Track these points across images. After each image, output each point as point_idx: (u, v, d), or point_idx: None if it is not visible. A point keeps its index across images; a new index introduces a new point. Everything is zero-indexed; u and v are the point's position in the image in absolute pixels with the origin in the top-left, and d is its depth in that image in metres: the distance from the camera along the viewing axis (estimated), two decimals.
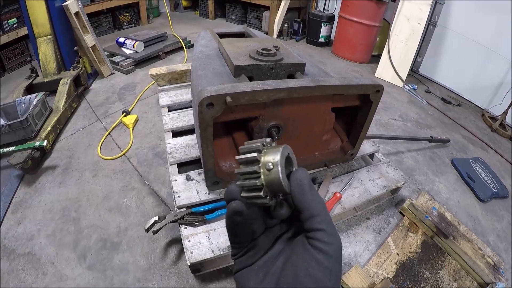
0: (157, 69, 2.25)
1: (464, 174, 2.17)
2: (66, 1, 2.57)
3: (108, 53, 3.10)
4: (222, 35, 2.09)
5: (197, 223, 1.36)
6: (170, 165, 1.65)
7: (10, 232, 1.52)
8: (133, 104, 2.49)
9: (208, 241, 1.30)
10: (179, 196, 1.46)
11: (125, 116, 2.29)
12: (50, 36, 2.59)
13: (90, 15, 3.55)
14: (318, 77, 1.53)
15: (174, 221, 1.36)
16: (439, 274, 1.52)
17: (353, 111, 1.56)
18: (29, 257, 1.41)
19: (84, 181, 1.84)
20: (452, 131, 2.64)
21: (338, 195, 1.50)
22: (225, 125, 1.48)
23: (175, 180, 1.54)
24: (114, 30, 3.86)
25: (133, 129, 2.22)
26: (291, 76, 1.48)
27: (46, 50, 2.59)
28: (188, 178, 1.54)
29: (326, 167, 1.61)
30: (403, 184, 1.74)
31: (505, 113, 2.70)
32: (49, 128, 2.07)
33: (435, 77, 3.35)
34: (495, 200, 2.05)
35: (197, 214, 1.39)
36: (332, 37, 4.05)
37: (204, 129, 1.19)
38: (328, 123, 1.52)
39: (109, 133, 2.20)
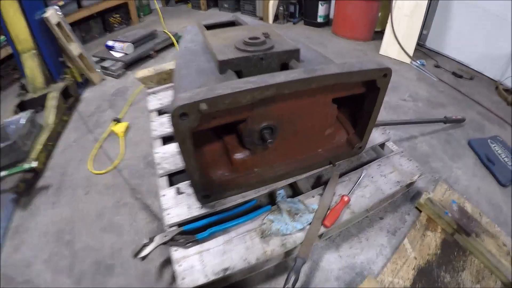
0: (144, 71, 2.04)
1: (482, 156, 1.91)
2: (45, 13, 2.36)
3: (98, 58, 2.90)
4: (209, 27, 1.85)
5: (189, 244, 1.17)
6: (159, 177, 1.45)
7: (9, 260, 1.44)
8: (124, 111, 2.30)
9: (201, 264, 1.11)
10: (169, 214, 1.26)
11: (115, 124, 2.10)
12: (34, 51, 2.39)
13: (79, 21, 3.35)
14: (315, 63, 1.29)
15: (164, 243, 1.17)
16: (461, 276, 1.31)
17: (359, 98, 1.32)
18: (27, 285, 1.34)
19: (77, 199, 1.71)
20: (466, 108, 2.35)
21: (345, 198, 1.27)
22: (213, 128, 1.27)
23: (164, 195, 1.34)
24: (106, 33, 3.65)
25: (124, 138, 2.03)
26: (285, 65, 1.26)
27: (31, 65, 2.41)
28: (179, 192, 1.34)
29: (332, 165, 1.39)
30: (419, 177, 1.49)
31: None
32: (40, 147, 1.92)
33: (443, 50, 3.03)
34: None
35: (188, 234, 1.19)
36: (331, 16, 3.73)
37: (182, 142, 0.98)
38: (330, 116, 1.29)
39: (100, 145, 2.02)
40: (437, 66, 2.83)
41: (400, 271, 1.31)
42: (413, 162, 1.55)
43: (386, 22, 2.87)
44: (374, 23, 3.24)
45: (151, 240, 1.18)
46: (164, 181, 1.43)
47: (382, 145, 1.69)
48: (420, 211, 1.55)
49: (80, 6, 3.33)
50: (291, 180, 1.36)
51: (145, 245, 1.17)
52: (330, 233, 1.38)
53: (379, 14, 3.18)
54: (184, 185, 1.36)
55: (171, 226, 1.24)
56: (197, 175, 1.10)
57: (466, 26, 2.78)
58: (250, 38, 1.24)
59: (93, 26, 3.53)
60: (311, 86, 1.04)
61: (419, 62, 2.81)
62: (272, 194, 1.36)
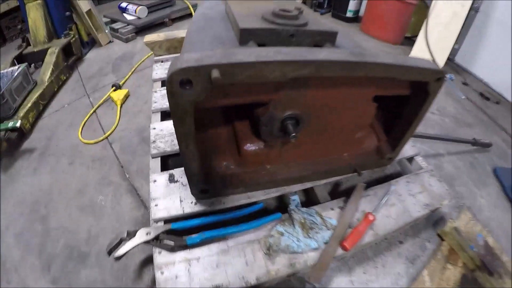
0: (153, 35, 1.73)
1: (507, 187, 1.66)
2: None
3: (108, 19, 2.58)
4: None
5: (176, 248, 0.89)
6: (152, 158, 1.17)
7: None
8: (127, 77, 2.00)
9: (187, 275, 0.84)
10: (157, 205, 0.99)
11: (114, 90, 1.81)
12: (39, 1, 2.08)
13: None
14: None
15: (146, 242, 0.90)
16: None
17: (398, 101, 1.05)
18: None
19: (59, 169, 1.46)
20: (492, 132, 2.08)
21: (371, 217, 1.00)
22: (224, 107, 0.98)
23: (155, 181, 1.06)
24: None
25: (121, 107, 1.74)
26: None
27: (35, 16, 2.12)
28: (172, 179, 1.06)
29: (357, 173, 1.11)
30: (449, 202, 1.23)
31: None
32: (29, 105, 1.67)
33: (472, 68, 2.72)
34: None
35: (176, 234, 0.92)
36: (362, 12, 3.38)
37: (180, 121, 0.70)
38: (368, 116, 1.01)
39: (94, 111, 1.72)
40: (465, 84, 2.54)
41: None
42: (443, 184, 1.28)
43: (418, 28, 2.56)
44: (406, 27, 2.91)
45: (131, 235, 0.91)
46: (157, 163, 1.15)
47: (409, 159, 1.42)
48: (442, 240, 1.29)
49: None
50: (308, 185, 1.09)
51: (122, 241, 0.90)
52: (346, 254, 1.11)
53: (412, 19, 2.86)
54: (179, 172, 1.09)
55: (157, 220, 0.97)
56: (196, 166, 0.82)
57: (499, 48, 2.48)
58: (281, 10, 0.96)
59: None
60: (357, 73, 0.76)
61: (448, 76, 2.51)
62: (282, 198, 1.07)
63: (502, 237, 1.43)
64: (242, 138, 0.94)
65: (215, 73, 0.61)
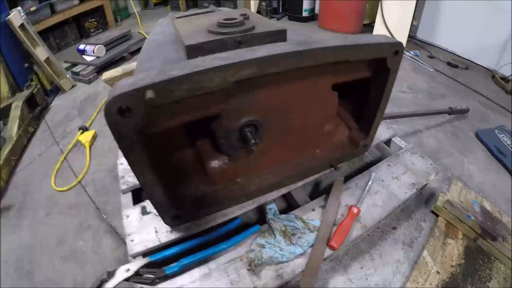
0: (111, 71, 1.71)
1: (493, 148, 1.66)
2: (9, 15, 2.03)
3: (69, 64, 2.55)
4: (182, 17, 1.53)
5: (157, 280, 0.84)
6: (123, 193, 1.12)
7: None
8: (92, 118, 1.95)
9: None
10: (132, 240, 0.94)
11: (82, 133, 1.76)
12: None
13: (53, 27, 2.99)
14: None
15: (126, 280, 0.85)
16: (489, 286, 1.06)
17: (361, 86, 1.03)
18: None
19: (37, 222, 1.40)
20: (467, 98, 2.09)
21: (355, 210, 0.96)
22: (184, 128, 0.94)
23: (128, 216, 1.01)
24: (82, 39, 3.27)
25: (90, 148, 1.69)
26: None
27: None
28: (144, 212, 1.01)
29: (333, 169, 1.08)
30: (435, 176, 1.20)
31: None
32: (1, 163, 1.61)
33: (435, 40, 2.76)
34: None
35: (156, 266, 0.87)
36: (317, 10, 3.44)
37: (128, 151, 0.66)
38: (330, 107, 0.98)
39: (64, 158, 1.67)
40: (431, 57, 2.56)
41: None
42: (426, 160, 1.26)
43: (375, 14, 2.60)
44: (363, 15, 2.95)
45: (110, 275, 0.86)
46: (128, 198, 1.11)
47: (387, 142, 1.40)
48: (437, 216, 1.26)
49: (53, 11, 2.96)
50: (284, 191, 1.04)
51: (103, 283, 0.85)
52: (336, 253, 1.06)
53: (367, 5, 2.91)
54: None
55: (135, 256, 0.91)
56: (159, 193, 0.77)
57: (457, 16, 2.53)
58: (225, 20, 0.94)
59: (68, 32, 3.16)
60: (305, 63, 0.74)
61: (413, 53, 2.54)
62: (262, 209, 1.03)
63: (499, 199, 1.41)
64: (205, 156, 0.90)
65: (149, 94, 0.58)
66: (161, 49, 1.10)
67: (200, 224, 0.93)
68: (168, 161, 0.87)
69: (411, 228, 1.23)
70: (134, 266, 0.86)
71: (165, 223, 0.88)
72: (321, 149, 1.09)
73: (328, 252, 0.89)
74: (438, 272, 1.08)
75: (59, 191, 1.50)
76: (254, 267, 0.81)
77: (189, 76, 0.62)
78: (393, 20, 2.46)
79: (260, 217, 1.15)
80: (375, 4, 2.60)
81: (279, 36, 0.94)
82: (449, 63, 2.46)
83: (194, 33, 0.94)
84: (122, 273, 0.85)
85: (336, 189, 1.03)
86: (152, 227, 0.95)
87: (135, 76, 0.62)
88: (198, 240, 0.88)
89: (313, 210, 1.01)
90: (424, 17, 2.75)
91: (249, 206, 0.98)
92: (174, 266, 0.83)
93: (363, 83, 1.01)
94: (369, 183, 1.09)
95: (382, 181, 1.14)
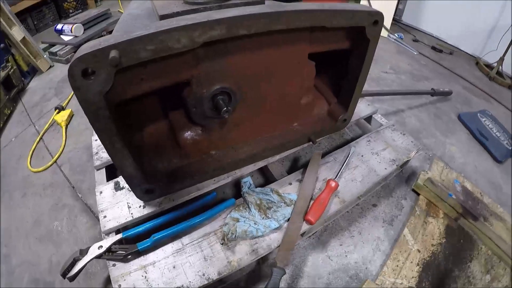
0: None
1: (475, 131, 1.67)
2: None
3: (47, 44, 2.43)
4: None
5: (129, 256, 0.81)
6: (97, 170, 1.07)
7: None
8: (69, 97, 1.87)
9: (145, 283, 0.77)
10: (105, 217, 0.90)
11: (58, 112, 1.69)
12: None
13: (31, 8, 2.83)
14: None
15: (98, 257, 0.81)
16: (470, 267, 1.08)
17: (340, 58, 1.00)
18: None
19: (14, 204, 1.35)
20: (451, 82, 2.09)
21: (332, 184, 0.94)
22: (158, 99, 0.89)
23: (101, 193, 0.97)
24: (61, 19, 3.13)
25: (66, 128, 1.62)
26: None
27: None
28: (117, 187, 0.97)
29: (311, 143, 1.05)
30: (416, 154, 1.19)
31: (502, 59, 2.17)
32: None
33: (420, 25, 2.74)
34: (509, 159, 1.57)
35: (130, 242, 0.83)
36: None
37: (94, 117, 0.63)
38: (307, 77, 0.95)
39: (40, 138, 1.60)
40: (415, 40, 2.55)
41: (402, 269, 1.03)
42: (407, 137, 1.24)
43: None
44: None
45: (83, 253, 0.82)
46: (102, 174, 1.06)
47: (368, 119, 1.38)
48: (418, 194, 1.26)
49: None
50: (260, 164, 1.01)
51: (76, 261, 0.81)
52: (315, 229, 1.05)
53: None
54: None
55: (107, 232, 0.88)
56: (130, 165, 0.73)
57: (443, 1, 2.51)
58: None
59: (47, 13, 2.99)
60: (277, 25, 0.70)
61: (397, 35, 2.51)
62: (238, 184, 1.00)
63: (481, 181, 1.42)
64: (178, 127, 0.86)
65: (113, 53, 0.54)
66: (136, 21, 1.03)
67: (173, 198, 0.89)
68: (139, 133, 0.83)
69: (391, 206, 1.23)
70: (106, 243, 0.82)
71: (137, 197, 0.84)
72: (299, 122, 1.06)
73: (305, 226, 0.87)
74: (418, 251, 1.08)
75: (35, 172, 1.44)
76: (228, 241, 0.79)
77: (154, 36, 0.58)
78: (378, 2, 2.42)
79: (237, 192, 1.12)
80: None
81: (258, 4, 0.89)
82: (433, 48, 2.45)
83: (169, 4, 0.89)
84: (94, 250, 0.82)
85: (313, 163, 1.01)
86: (125, 202, 0.92)
87: (99, 39, 0.58)
88: (171, 214, 0.85)
89: (290, 184, 0.99)
90: (409, 1, 2.72)
91: (224, 179, 0.95)
92: (146, 242, 0.80)
93: (342, 56, 0.98)
94: (348, 157, 1.07)
95: (362, 156, 1.12)
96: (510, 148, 1.60)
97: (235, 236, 0.79)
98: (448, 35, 2.60)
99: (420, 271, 1.02)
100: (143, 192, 0.83)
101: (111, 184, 0.98)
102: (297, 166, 1.28)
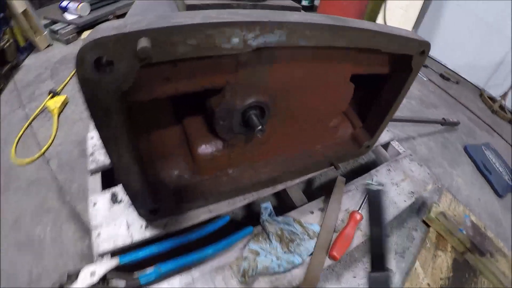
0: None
1: (480, 164, 1.62)
2: None
3: (49, 21, 2.21)
4: None
5: None
6: (91, 174, 0.91)
7: None
8: (65, 82, 1.68)
9: None
10: (99, 234, 0.74)
11: (51, 97, 1.50)
12: None
13: None
14: None
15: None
16: None
17: (373, 83, 0.89)
18: None
19: None
20: (457, 111, 2.05)
21: (357, 216, 0.83)
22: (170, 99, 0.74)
23: (95, 204, 0.81)
24: None
25: (59, 116, 1.44)
26: None
27: None
28: (115, 200, 0.81)
29: (334, 167, 0.94)
30: (433, 187, 1.10)
31: (506, 95, 2.16)
32: None
33: (431, 52, 2.69)
34: (509, 194, 1.54)
35: (128, 269, 0.68)
36: (317, 2, 3.25)
37: (103, 122, 0.48)
38: (344, 99, 0.83)
39: (29, 124, 1.41)
40: (425, 66, 2.50)
41: None
42: (424, 168, 1.15)
43: (374, 16, 2.48)
44: (364, 14, 2.82)
45: (72, 278, 0.66)
46: (96, 180, 0.89)
47: (385, 146, 1.28)
48: (428, 226, 1.17)
49: None
50: (279, 187, 0.88)
51: (61, 287, 0.65)
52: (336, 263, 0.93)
53: (368, 5, 2.77)
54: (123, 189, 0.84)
55: (102, 254, 0.72)
56: (137, 181, 0.59)
57: (455, 31, 2.48)
58: None
59: None
60: (338, 41, 0.57)
61: None
62: (251, 207, 0.87)
63: (483, 214, 1.37)
64: (195, 139, 0.71)
65: (144, 42, 0.40)
66: (154, 7, 0.89)
67: (181, 220, 0.74)
68: (148, 141, 0.68)
69: (403, 237, 1.13)
70: (101, 269, 0.66)
71: (140, 215, 0.70)
72: (322, 144, 0.94)
73: (328, 262, 0.75)
74: (428, 285, 1.00)
75: (19, 164, 1.25)
76: (248, 279, 0.65)
77: (200, 28, 0.43)
78: (394, 24, 2.35)
79: (248, 215, 0.99)
80: (377, 4, 2.47)
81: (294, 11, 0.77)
82: (441, 75, 2.40)
83: None
84: (86, 276, 0.66)
85: (337, 191, 0.89)
86: (124, 219, 0.76)
87: (125, 20, 0.43)
88: (178, 240, 0.70)
89: (312, 212, 0.86)
90: (422, 26, 2.66)
91: (240, 202, 0.81)
92: (150, 274, 0.65)
93: (376, 80, 0.87)
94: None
95: (383, 186, 1.02)
96: (511, 183, 1.57)
97: (255, 273, 0.66)
98: (456, 64, 2.58)
99: None
100: (147, 212, 0.69)
101: (108, 194, 0.82)
102: (311, 189, 1.16)
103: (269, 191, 0.86)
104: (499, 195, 1.50)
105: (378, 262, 0.78)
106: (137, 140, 0.57)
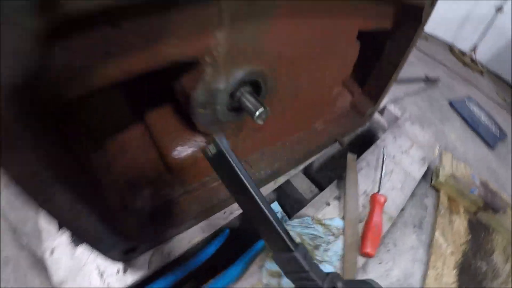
0: None
1: (468, 118, 1.60)
2: None
3: None
4: None
5: None
6: (41, 210, 0.68)
7: None
8: None
9: None
10: None
11: None
12: None
13: None
14: None
15: None
16: (493, 259, 0.98)
17: (366, 42, 0.74)
18: None
19: None
20: (434, 67, 2.00)
21: (381, 199, 0.69)
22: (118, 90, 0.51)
23: (52, 252, 0.58)
24: None
25: None
26: None
27: None
28: (76, 241, 0.60)
29: (339, 144, 0.79)
30: (439, 149, 1.00)
31: (475, 47, 2.19)
32: None
33: None
34: (498, 144, 1.56)
35: None
36: None
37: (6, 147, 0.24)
38: (350, 62, 0.66)
39: None
40: None
41: (443, 276, 0.85)
42: (426, 130, 1.05)
43: None
44: None
45: None
46: (48, 218, 0.67)
47: (381, 111, 1.15)
48: (437, 191, 1.08)
49: None
50: (282, 180, 0.71)
51: None
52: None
53: None
54: None
55: None
56: (92, 222, 0.38)
57: None
58: None
59: None
60: None
61: None
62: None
63: (481, 168, 1.32)
64: (165, 140, 0.51)
65: None
66: None
67: (168, 250, 0.54)
68: (99, 158, 0.46)
69: (416, 207, 1.02)
70: None
71: (113, 260, 0.50)
72: (323, 120, 0.78)
73: (361, 260, 0.60)
74: (452, 253, 0.92)
75: None
76: None
77: None
78: None
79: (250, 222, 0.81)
80: None
81: None
82: None
83: None
84: None
85: (351, 172, 0.74)
86: (94, 265, 0.55)
87: None
88: (170, 277, 0.51)
89: (328, 204, 0.69)
90: None
91: (238, 209, 0.61)
92: None
93: (372, 38, 0.72)
94: (384, 160, 0.82)
95: (393, 157, 0.88)
96: (498, 134, 1.59)
97: None
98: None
99: (458, 274, 0.87)
100: (122, 253, 0.49)
101: (66, 235, 0.61)
102: (311, 171, 0.99)
103: (271, 187, 0.69)
104: (490, 146, 1.48)
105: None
106: (79, 163, 0.36)
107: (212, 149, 0.37)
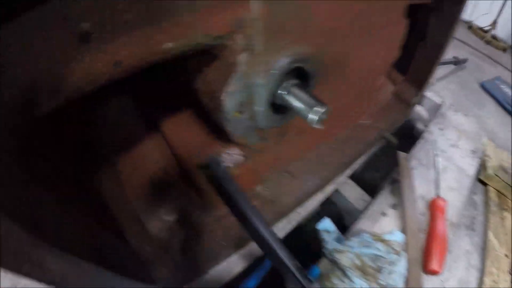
0: None
1: (501, 100, 1.42)
2: None
3: None
4: None
5: None
6: None
7: None
8: None
9: None
10: None
11: None
12: None
13: None
14: None
15: None
16: None
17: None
18: None
19: None
20: (455, 47, 1.82)
21: (441, 203, 0.57)
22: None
23: None
24: None
25: None
26: None
27: None
28: None
29: (388, 143, 0.67)
30: (486, 139, 0.87)
31: (495, 23, 1.97)
32: None
33: None
34: None
35: None
36: None
37: None
38: (396, 44, 0.54)
39: None
40: None
41: (499, 282, 0.73)
42: (471, 119, 0.91)
43: None
44: None
45: None
46: None
47: None
48: (485, 185, 0.95)
49: None
50: (330, 189, 0.59)
51: None
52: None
53: None
54: None
55: None
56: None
57: None
58: None
59: None
60: None
61: None
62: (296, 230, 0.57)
63: None
64: (192, 155, 0.40)
65: None
66: None
67: (205, 284, 0.44)
68: (109, 189, 0.36)
69: (466, 205, 0.90)
70: None
71: None
72: (368, 114, 0.66)
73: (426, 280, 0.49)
74: (506, 256, 0.78)
75: None
76: None
77: None
78: None
79: (295, 244, 0.69)
80: None
81: None
82: None
83: None
84: None
85: (405, 175, 0.61)
86: None
87: None
88: None
89: (384, 214, 0.57)
90: None
91: (284, 229, 0.50)
92: None
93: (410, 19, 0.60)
94: (437, 158, 0.69)
95: (444, 152, 0.76)
96: None
97: None
98: None
99: None
100: None
101: None
102: (356, 174, 0.87)
103: (318, 198, 0.57)
104: None
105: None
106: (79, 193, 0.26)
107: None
